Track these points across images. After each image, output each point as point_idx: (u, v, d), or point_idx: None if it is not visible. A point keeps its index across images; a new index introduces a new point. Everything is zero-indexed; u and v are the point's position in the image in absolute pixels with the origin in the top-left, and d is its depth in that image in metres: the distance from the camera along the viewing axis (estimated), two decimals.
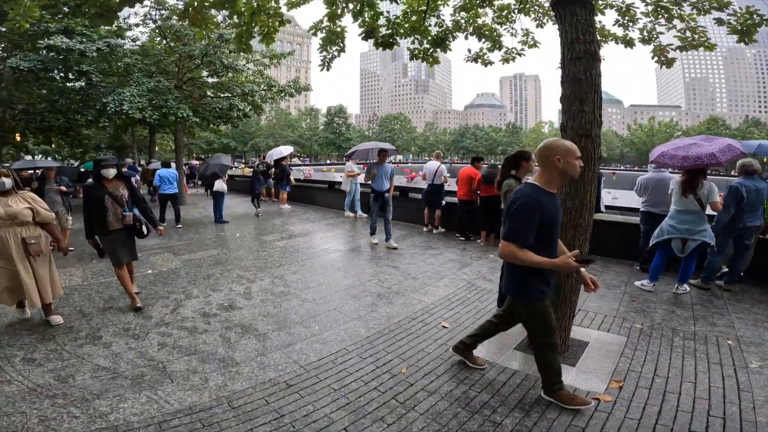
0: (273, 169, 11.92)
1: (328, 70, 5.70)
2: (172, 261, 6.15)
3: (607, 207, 5.79)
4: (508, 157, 3.75)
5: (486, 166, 7.15)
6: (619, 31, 5.59)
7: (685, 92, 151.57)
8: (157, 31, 11.73)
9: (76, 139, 21.04)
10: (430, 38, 5.28)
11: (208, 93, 13.13)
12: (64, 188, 6.79)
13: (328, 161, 75.80)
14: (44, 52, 10.18)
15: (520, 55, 6.03)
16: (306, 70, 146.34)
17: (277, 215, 10.42)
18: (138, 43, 13.12)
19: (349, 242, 7.29)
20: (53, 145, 30.18)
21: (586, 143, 3.03)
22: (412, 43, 5.34)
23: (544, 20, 6.16)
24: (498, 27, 5.98)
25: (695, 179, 4.40)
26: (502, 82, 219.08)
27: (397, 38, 5.36)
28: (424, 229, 8.11)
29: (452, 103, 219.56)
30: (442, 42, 5.33)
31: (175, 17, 10.41)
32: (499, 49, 6.13)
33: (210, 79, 13.43)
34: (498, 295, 4.06)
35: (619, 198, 9.65)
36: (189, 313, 4.05)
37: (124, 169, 11.28)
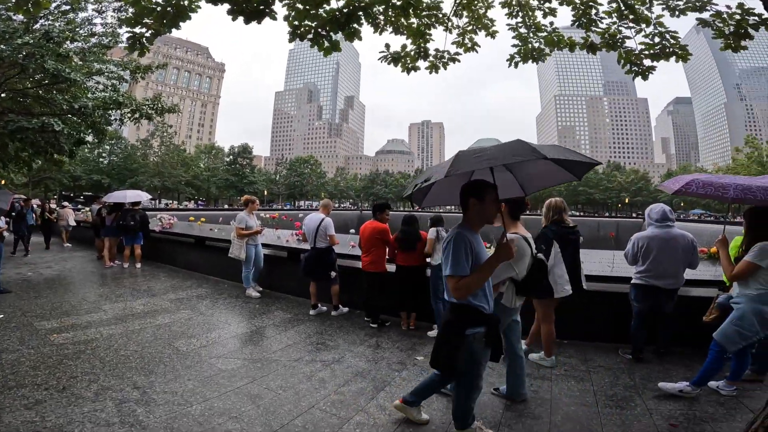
0: (112, 214, 8.51)
1: (141, 54, 3.30)
2: None
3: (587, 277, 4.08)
4: None
5: (404, 222, 4.72)
6: (576, 36, 4.39)
7: (558, 141, 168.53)
8: None
9: None
10: (325, 10, 3.29)
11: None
12: None
13: (226, 206, 68.48)
14: None
15: (453, 60, 4.42)
16: (214, 106, 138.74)
17: (115, 280, 6.93)
18: None
19: (191, 339, 4.11)
20: None
21: None
22: (294, 13, 3.27)
23: (478, 27, 4.71)
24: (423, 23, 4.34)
25: None
26: (410, 128, 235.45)
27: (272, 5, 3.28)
28: (311, 312, 5.16)
29: (364, 148, 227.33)
30: (347, 21, 3.38)
31: None
32: (425, 57, 4.47)
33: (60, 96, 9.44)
34: None
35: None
36: None
37: None
